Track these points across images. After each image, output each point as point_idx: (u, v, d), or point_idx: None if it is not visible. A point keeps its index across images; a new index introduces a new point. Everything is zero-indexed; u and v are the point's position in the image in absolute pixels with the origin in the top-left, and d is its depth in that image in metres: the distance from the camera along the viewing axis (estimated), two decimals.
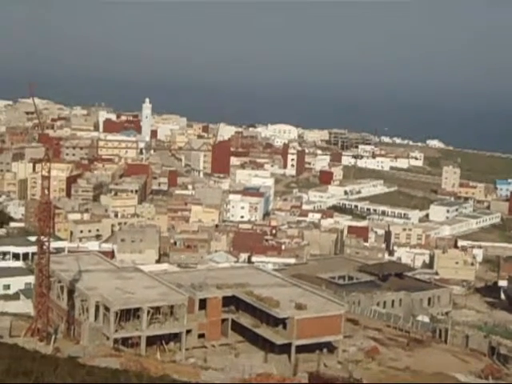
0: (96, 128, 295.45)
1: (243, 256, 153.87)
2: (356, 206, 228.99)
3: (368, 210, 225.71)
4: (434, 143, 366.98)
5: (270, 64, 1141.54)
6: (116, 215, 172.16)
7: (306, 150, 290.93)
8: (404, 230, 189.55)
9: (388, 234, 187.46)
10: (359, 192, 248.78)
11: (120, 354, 70.21)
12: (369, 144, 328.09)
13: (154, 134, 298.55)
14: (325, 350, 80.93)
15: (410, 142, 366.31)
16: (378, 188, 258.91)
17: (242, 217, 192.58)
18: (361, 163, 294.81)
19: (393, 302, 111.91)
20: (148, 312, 76.11)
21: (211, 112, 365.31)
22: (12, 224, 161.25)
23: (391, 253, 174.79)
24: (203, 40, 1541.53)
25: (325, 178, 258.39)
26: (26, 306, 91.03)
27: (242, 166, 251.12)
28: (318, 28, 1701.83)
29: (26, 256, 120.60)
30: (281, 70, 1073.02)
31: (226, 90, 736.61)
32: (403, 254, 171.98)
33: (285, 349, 78.52)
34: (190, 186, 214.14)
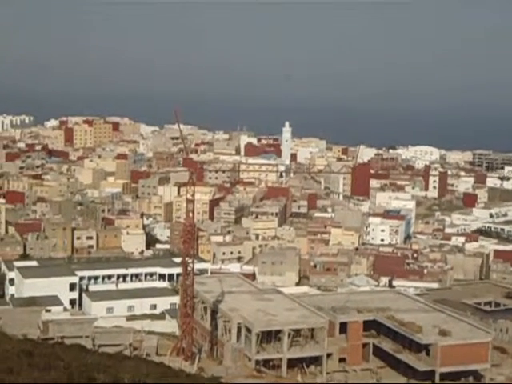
0: (238, 152, 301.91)
1: (384, 280, 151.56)
2: (502, 230, 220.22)
3: None
4: None
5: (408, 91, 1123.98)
6: (257, 238, 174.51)
7: (449, 172, 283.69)
8: None
9: None
10: (505, 215, 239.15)
11: (262, 375, 70.87)
12: None
13: (293, 157, 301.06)
14: (471, 379, 78.18)
15: None
16: None
17: (383, 240, 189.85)
18: (507, 185, 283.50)
19: None
20: (289, 334, 76.45)
21: (351, 134, 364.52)
22: (158, 246, 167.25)
23: None
24: (331, 59, 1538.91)
25: (469, 201, 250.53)
26: (171, 326, 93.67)
27: (382, 189, 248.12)
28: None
29: (171, 277, 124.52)
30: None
31: (365, 112, 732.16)
32: None
33: (428, 375, 76.51)
34: (329, 209, 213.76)
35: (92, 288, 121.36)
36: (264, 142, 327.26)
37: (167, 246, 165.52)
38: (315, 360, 78.53)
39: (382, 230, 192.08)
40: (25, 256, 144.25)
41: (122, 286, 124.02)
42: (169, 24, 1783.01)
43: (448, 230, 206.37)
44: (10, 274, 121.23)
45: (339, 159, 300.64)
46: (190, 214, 76.23)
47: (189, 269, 76.38)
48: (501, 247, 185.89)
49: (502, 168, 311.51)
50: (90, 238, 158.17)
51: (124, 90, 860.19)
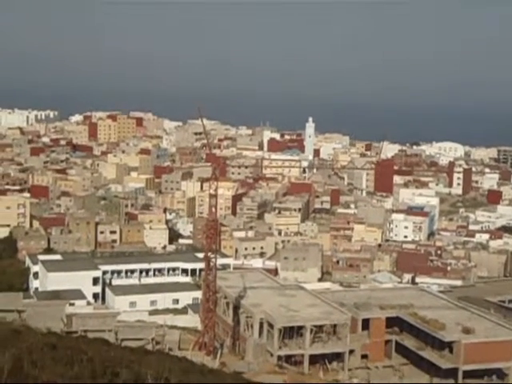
0: (261, 147, 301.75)
1: (407, 276, 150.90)
2: None
3: None
4: None
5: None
6: (279, 233, 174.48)
7: (473, 169, 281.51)
8: None
9: None
10: None
11: (283, 371, 70.85)
12: None
13: (316, 152, 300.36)
14: (494, 377, 77.61)
15: None
16: None
17: (406, 236, 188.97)
18: None
19: None
20: (311, 330, 76.33)
21: (374, 130, 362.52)
22: (181, 241, 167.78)
23: None
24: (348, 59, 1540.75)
25: (493, 198, 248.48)
26: (193, 321, 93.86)
27: (406, 185, 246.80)
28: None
29: (193, 272, 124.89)
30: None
31: (388, 108, 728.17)
32: None
33: (451, 373, 76.05)
34: (352, 205, 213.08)
35: (115, 282, 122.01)
36: (287, 137, 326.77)
37: (190, 241, 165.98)
38: (337, 356, 78.36)
39: (406, 227, 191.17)
40: (49, 250, 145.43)
41: (145, 280, 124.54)
42: (177, 23, 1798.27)
43: (472, 227, 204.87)
44: (35, 268, 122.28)
45: (363, 155, 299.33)
46: (213, 210, 76.26)
47: (211, 264, 76.49)
48: None
49: None
50: (113, 232, 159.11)
51: (149, 87, 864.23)
